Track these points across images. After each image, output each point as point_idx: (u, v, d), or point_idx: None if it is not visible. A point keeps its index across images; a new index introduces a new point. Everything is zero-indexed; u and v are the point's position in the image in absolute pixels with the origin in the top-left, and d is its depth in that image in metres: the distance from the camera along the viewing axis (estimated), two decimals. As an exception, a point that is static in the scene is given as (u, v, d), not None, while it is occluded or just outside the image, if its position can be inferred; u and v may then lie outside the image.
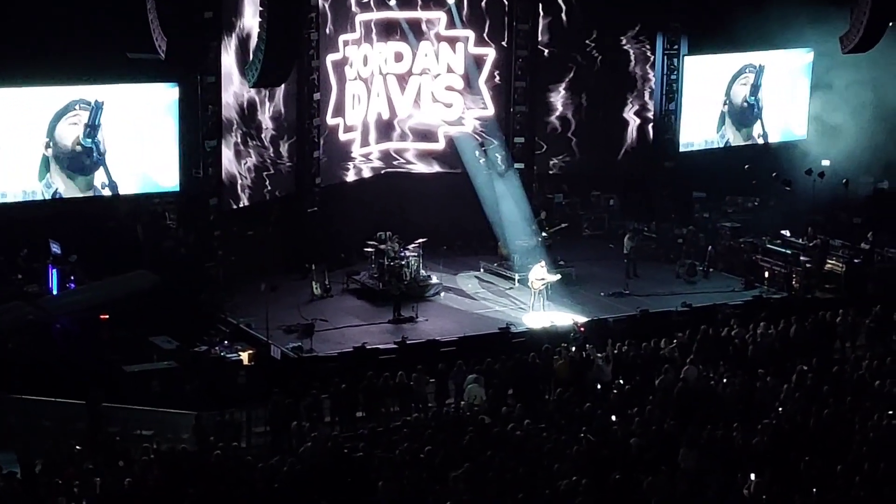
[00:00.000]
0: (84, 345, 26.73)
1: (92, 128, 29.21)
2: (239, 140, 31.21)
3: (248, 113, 31.21)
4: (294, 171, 33.08)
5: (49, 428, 22.59)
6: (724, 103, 37.78)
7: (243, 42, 30.58)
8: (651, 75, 36.36)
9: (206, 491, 18.83)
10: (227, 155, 30.79)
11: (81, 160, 29.32)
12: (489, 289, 32.46)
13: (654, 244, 35.38)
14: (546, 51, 36.16)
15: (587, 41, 36.18)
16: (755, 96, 38.11)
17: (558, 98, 36.52)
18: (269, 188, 32.41)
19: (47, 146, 28.84)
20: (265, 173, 32.19)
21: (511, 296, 31.73)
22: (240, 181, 31.39)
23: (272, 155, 32.30)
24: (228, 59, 30.43)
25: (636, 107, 36.58)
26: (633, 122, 36.63)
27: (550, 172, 36.75)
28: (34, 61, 28.18)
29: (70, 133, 29.06)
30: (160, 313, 27.91)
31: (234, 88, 30.81)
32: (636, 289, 31.89)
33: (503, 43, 35.43)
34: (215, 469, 20.04)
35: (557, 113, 36.64)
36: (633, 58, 36.42)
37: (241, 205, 31.57)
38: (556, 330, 28.04)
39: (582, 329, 27.78)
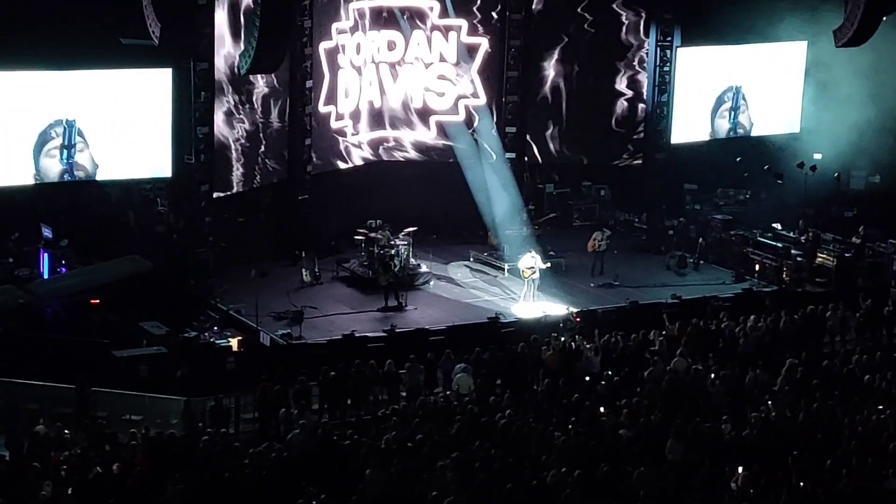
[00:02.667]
0: (74, 329, 26.71)
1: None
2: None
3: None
4: (286, 149, 33.00)
5: (37, 411, 22.54)
6: (718, 95, 37.67)
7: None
8: (645, 44, 36.21)
9: (194, 476, 18.83)
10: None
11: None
12: (479, 278, 32.45)
13: (645, 235, 35.40)
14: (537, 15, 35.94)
15: (579, 10, 35.95)
16: (749, 88, 38.02)
17: (550, 67, 36.34)
18: (262, 155, 32.25)
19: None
20: (260, 146, 32.09)
21: (501, 285, 31.72)
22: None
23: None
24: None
25: (626, 78, 36.35)
26: (625, 93, 36.43)
27: (540, 156, 36.47)
28: (27, 46, 28.08)
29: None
30: (150, 298, 27.91)
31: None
32: (626, 280, 31.88)
33: (495, 32, 35.42)
34: (203, 455, 20.05)
35: (549, 83, 36.50)
36: (624, 25, 36.23)
37: (235, 190, 31.49)
38: (545, 320, 28.05)
39: (578, 319, 27.80)
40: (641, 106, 36.47)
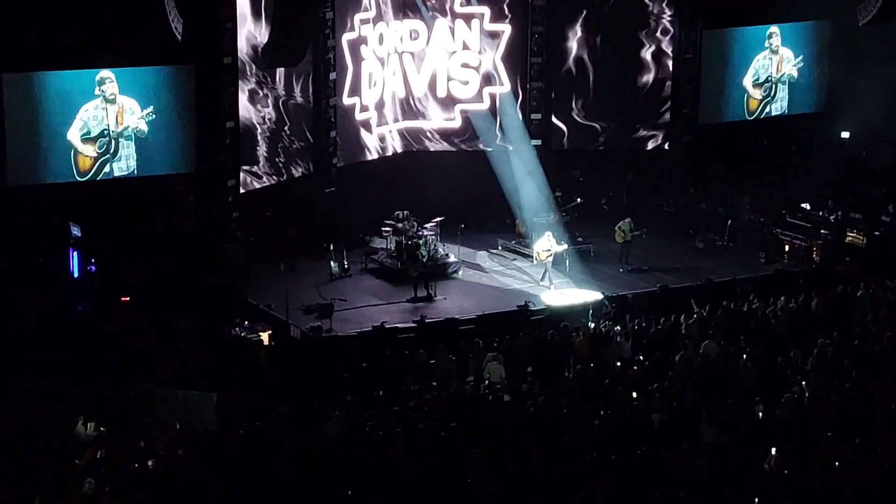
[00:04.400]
0: (105, 326, 26.85)
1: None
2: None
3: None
4: (311, 150, 33.08)
5: (73, 410, 22.68)
6: (744, 77, 37.49)
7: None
8: (666, 13, 35.90)
9: (229, 471, 18.92)
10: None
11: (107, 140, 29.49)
12: (507, 266, 32.44)
13: (673, 219, 35.30)
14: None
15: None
16: (775, 69, 37.80)
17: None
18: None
19: (74, 129, 28.97)
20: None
21: (528, 272, 31.67)
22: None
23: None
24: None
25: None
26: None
27: (566, 128, 36.34)
28: (53, 47, 28.20)
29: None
30: (180, 294, 28.01)
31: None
32: (655, 264, 31.81)
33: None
34: (237, 449, 20.14)
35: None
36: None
37: (261, 171, 31.60)
38: (575, 307, 28.02)
39: (614, 304, 27.76)
40: (668, 84, 36.22)
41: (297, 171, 32.89)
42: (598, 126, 36.34)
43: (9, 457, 19.96)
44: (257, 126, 31.34)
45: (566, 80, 36.22)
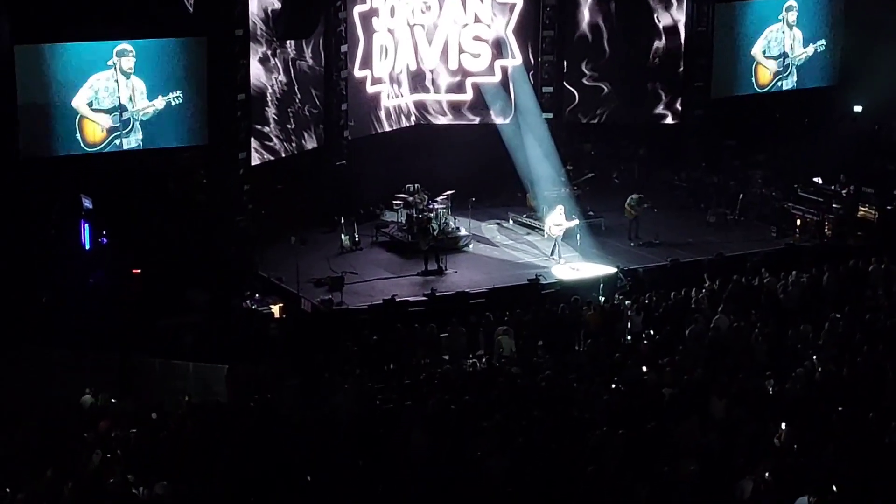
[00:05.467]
0: (116, 298, 26.91)
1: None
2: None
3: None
4: (321, 120, 33.04)
5: (83, 381, 22.75)
6: (757, 50, 37.32)
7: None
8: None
9: (239, 443, 18.96)
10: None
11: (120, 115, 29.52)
12: (518, 240, 32.42)
13: (685, 193, 35.23)
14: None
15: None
16: (790, 47, 37.61)
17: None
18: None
19: (81, 96, 28.94)
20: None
21: (539, 246, 31.64)
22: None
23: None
24: None
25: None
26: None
27: (577, 95, 36.20)
28: (63, 18, 28.16)
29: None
30: (192, 267, 28.05)
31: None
32: (666, 238, 31.76)
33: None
34: (247, 421, 20.18)
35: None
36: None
37: (272, 144, 31.56)
38: (586, 281, 27.99)
39: (629, 278, 27.73)
40: (680, 57, 36.01)
41: (309, 143, 32.85)
42: (607, 88, 36.18)
43: (21, 427, 20.02)
44: (268, 88, 31.25)
45: (579, 46, 36.06)
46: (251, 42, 30.34)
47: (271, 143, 31.58)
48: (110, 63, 29.06)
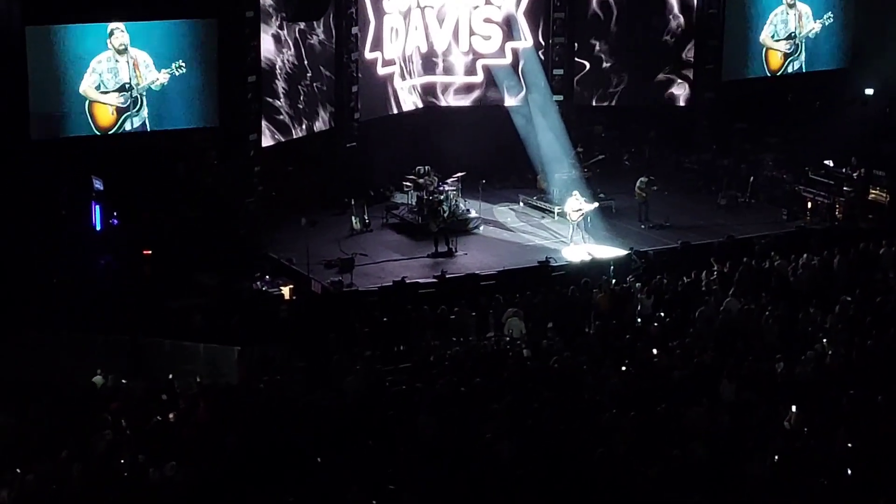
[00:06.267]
0: (127, 279, 26.94)
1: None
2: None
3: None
4: (331, 96, 32.97)
5: (95, 362, 22.79)
6: (766, 36, 37.15)
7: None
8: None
9: (250, 424, 19.00)
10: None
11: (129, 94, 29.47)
12: (528, 222, 32.40)
13: (695, 175, 35.16)
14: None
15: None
16: (796, 25, 37.44)
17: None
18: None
19: (87, 81, 28.90)
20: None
21: (550, 228, 31.65)
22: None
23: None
24: None
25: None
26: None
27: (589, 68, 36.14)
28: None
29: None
30: (202, 248, 28.08)
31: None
32: (677, 221, 31.71)
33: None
34: (258, 403, 20.21)
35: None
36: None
37: (282, 118, 31.51)
38: (596, 263, 27.97)
39: (643, 259, 27.70)
40: (691, 39, 35.89)
41: (319, 125, 32.80)
42: (617, 71, 36.07)
43: (32, 409, 20.07)
44: (278, 64, 31.19)
45: (590, 28, 35.93)
46: (263, 22, 30.28)
47: (281, 118, 31.50)
48: (108, 44, 29.00)
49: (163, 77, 29.49)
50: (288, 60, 31.41)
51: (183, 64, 29.48)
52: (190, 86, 29.89)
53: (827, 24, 37.38)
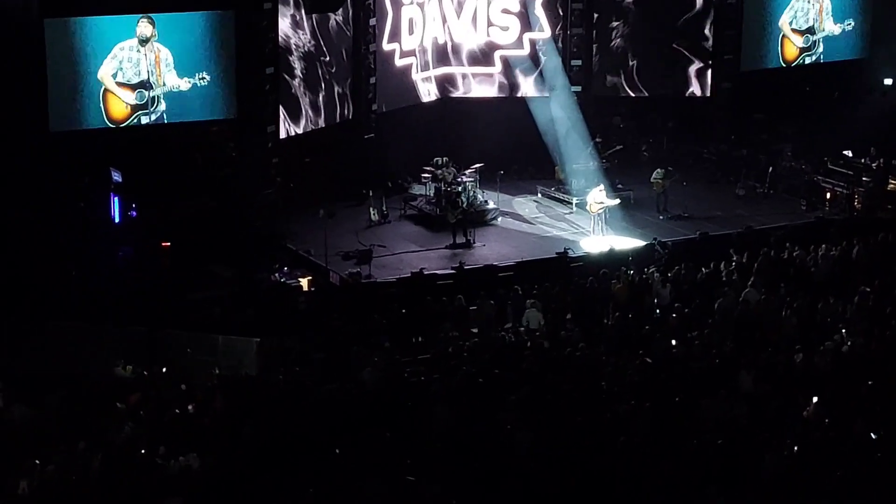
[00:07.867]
0: (146, 271, 27.00)
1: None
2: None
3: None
4: (348, 79, 33.02)
5: (113, 354, 22.85)
6: (784, 21, 37.02)
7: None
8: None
9: (268, 415, 19.04)
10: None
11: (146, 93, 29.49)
12: (547, 213, 32.37)
13: (713, 166, 35.09)
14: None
15: None
16: (815, 19, 37.30)
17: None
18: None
19: (107, 67, 28.92)
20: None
21: (569, 220, 31.62)
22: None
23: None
24: None
25: None
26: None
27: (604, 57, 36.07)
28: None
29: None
30: (220, 240, 28.12)
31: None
32: (695, 211, 31.65)
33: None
34: (277, 394, 20.26)
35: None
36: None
37: (301, 101, 31.54)
38: (615, 253, 27.94)
39: (667, 249, 27.65)
40: (709, 30, 35.83)
41: (337, 116, 32.81)
42: (636, 61, 35.96)
43: (52, 400, 20.15)
44: (295, 47, 31.24)
45: (608, 19, 35.80)
46: (280, 5, 30.30)
47: (300, 110, 31.52)
48: (133, 33, 29.04)
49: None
50: (305, 42, 31.40)
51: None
52: (209, 81, 29.89)
53: (847, 30, 37.25)
